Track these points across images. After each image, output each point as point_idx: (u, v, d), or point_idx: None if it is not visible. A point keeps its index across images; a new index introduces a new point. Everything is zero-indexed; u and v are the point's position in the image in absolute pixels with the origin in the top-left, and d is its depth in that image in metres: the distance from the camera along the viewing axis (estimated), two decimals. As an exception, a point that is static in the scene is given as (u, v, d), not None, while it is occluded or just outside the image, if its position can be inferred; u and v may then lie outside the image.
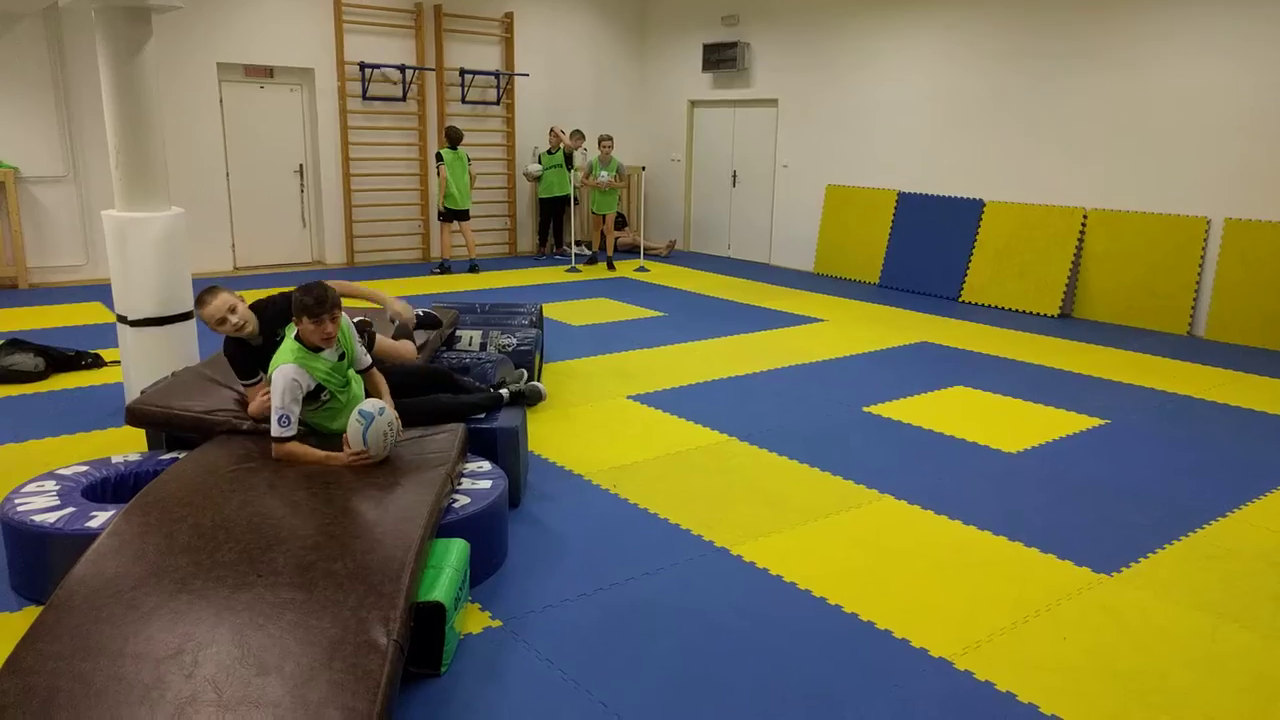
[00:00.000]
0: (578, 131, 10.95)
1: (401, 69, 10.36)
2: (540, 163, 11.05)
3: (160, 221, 4.83)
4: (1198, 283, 7.67)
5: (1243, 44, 7.25)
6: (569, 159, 10.90)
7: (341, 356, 3.51)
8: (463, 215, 10.11)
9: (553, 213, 11.35)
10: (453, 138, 9.99)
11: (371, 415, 3.26)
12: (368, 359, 3.68)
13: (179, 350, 4.90)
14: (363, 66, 10.10)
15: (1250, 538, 3.76)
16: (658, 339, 7.10)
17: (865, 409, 5.39)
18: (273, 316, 3.69)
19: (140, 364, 4.79)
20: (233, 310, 3.59)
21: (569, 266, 10.65)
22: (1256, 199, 7.32)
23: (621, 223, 11.89)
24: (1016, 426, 5.12)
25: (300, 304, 3.28)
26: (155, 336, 4.84)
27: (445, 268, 10.16)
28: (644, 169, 11.53)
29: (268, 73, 9.87)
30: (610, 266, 10.61)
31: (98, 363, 5.93)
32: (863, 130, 10.10)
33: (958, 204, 9.27)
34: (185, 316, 4.97)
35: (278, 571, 2.44)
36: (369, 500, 2.92)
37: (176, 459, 3.50)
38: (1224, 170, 7.47)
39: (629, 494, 4.06)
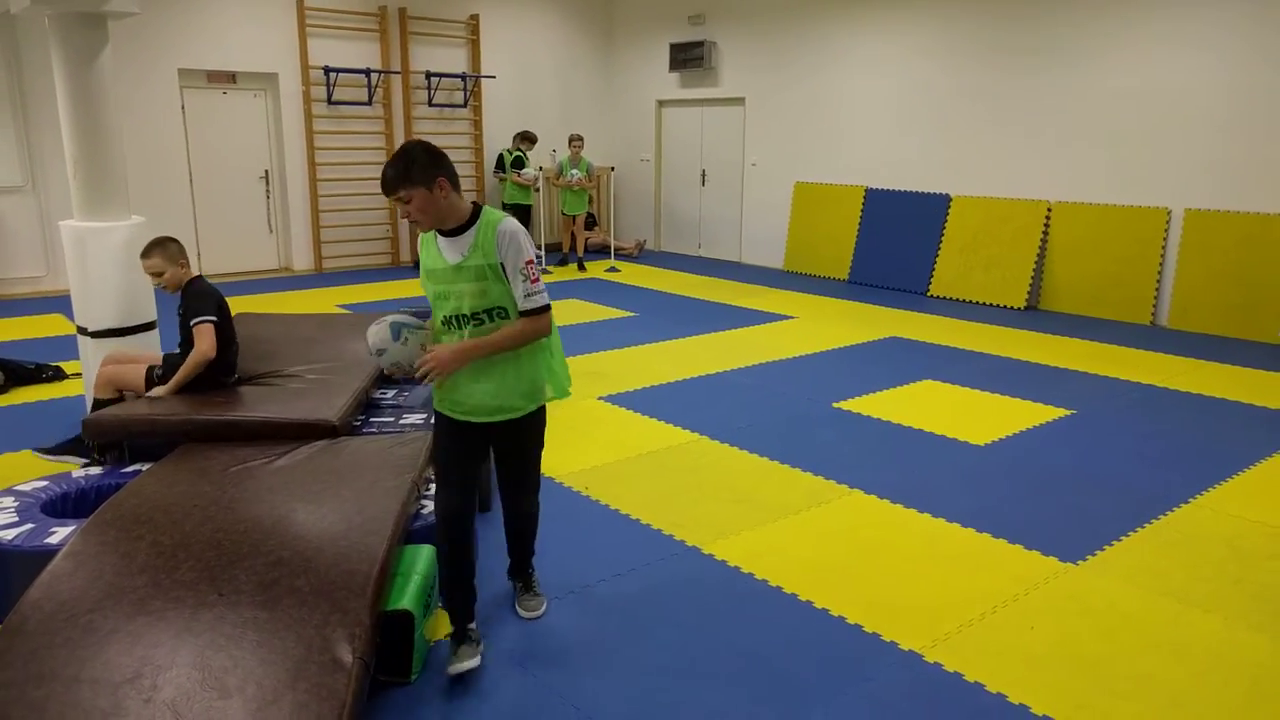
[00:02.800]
0: (525, 134, 10.85)
1: (367, 73, 10.27)
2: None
3: (120, 231, 4.76)
4: (1159, 273, 7.78)
5: (1201, 36, 7.35)
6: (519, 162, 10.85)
7: (463, 261, 2.57)
8: None
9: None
10: None
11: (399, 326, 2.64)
12: (524, 297, 2.60)
13: (141, 362, 4.82)
14: (327, 71, 10.01)
15: (1212, 523, 3.82)
16: (629, 339, 7.10)
17: (835, 405, 5.41)
18: (205, 290, 4.00)
19: (102, 377, 4.71)
20: (160, 274, 3.98)
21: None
22: (1215, 189, 7.43)
23: (591, 223, 11.87)
24: (984, 419, 5.17)
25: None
26: (118, 347, 4.76)
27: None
28: (613, 169, 11.52)
29: (230, 78, 9.76)
30: (581, 267, 10.59)
31: (59, 375, 5.83)
32: (830, 128, 10.14)
33: (925, 199, 9.34)
34: (148, 327, 4.89)
35: (240, 590, 2.40)
36: (334, 512, 2.88)
37: (138, 471, 3.45)
38: (1184, 162, 7.57)
39: (600, 495, 4.05)
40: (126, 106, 8.75)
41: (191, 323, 3.89)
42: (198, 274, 4.10)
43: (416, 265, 10.26)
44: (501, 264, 2.56)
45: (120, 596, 2.35)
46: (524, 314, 2.61)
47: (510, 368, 2.68)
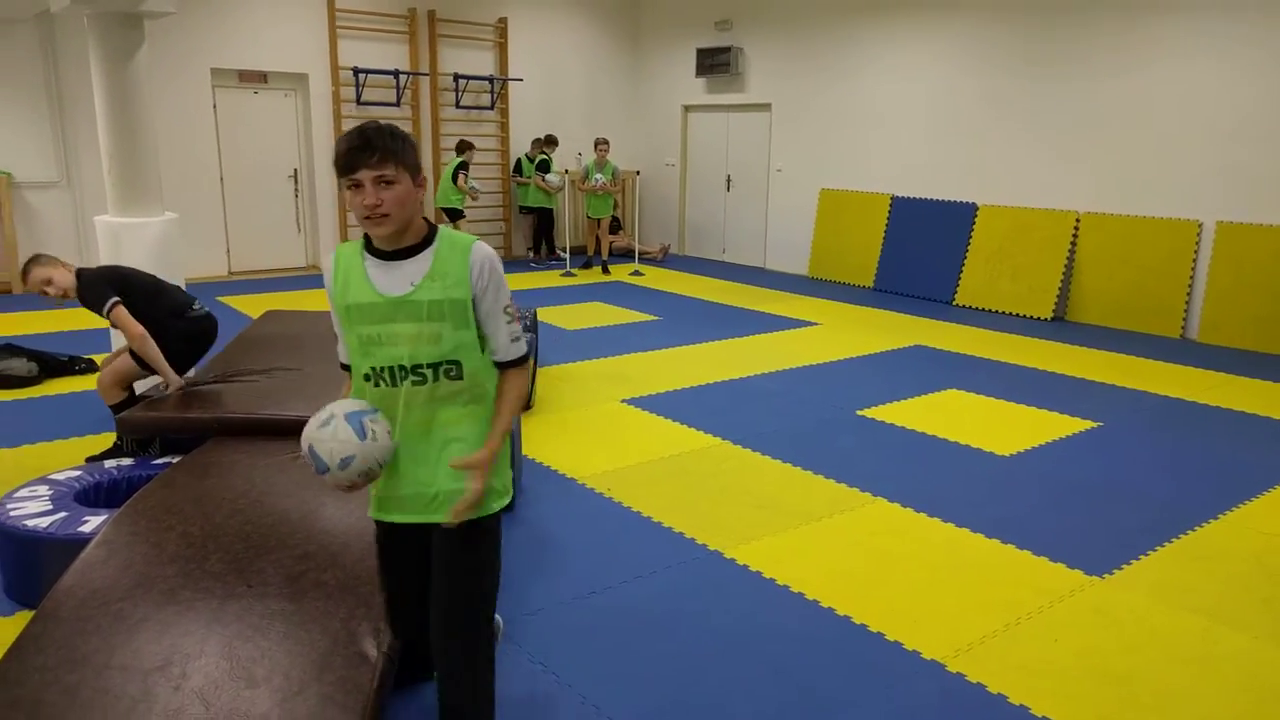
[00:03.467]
0: (549, 137, 11.27)
1: (395, 74, 10.36)
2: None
3: (154, 227, 4.84)
4: (1190, 286, 7.69)
5: (1233, 48, 7.27)
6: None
7: (412, 293, 1.90)
8: (450, 215, 10.37)
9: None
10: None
11: (354, 425, 1.89)
12: (509, 343, 2.00)
13: (172, 357, 4.89)
14: (356, 72, 10.11)
15: (1242, 539, 3.77)
16: (652, 343, 7.10)
17: (859, 412, 5.39)
18: (89, 280, 3.86)
19: (134, 371, 4.79)
20: (48, 282, 3.81)
21: (564, 271, 10.66)
22: (1247, 202, 7.34)
23: (616, 227, 11.90)
24: (1010, 429, 5.13)
25: (336, 153, 1.89)
26: (148, 343, 4.83)
27: None
28: (638, 173, 11.54)
29: (262, 78, 9.87)
30: (605, 270, 10.61)
31: (91, 368, 5.91)
32: (856, 134, 10.11)
33: (951, 208, 9.29)
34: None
35: (267, 582, 2.43)
36: (361, 508, 2.90)
37: (170, 463, 3.50)
38: (1215, 174, 7.48)
39: (623, 498, 4.06)
40: (160, 105, 8.86)
41: (105, 314, 3.79)
42: (79, 267, 3.97)
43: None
44: (475, 299, 1.92)
45: (150, 585, 2.39)
46: (506, 365, 2.00)
47: (462, 442, 1.97)
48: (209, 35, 9.36)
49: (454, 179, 10.15)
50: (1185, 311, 7.71)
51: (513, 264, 11.30)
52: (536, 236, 11.54)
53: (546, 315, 8.04)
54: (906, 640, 2.95)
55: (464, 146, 10.31)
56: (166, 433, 3.70)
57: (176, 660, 2.11)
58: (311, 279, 9.83)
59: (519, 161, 11.33)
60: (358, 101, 10.25)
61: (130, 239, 4.74)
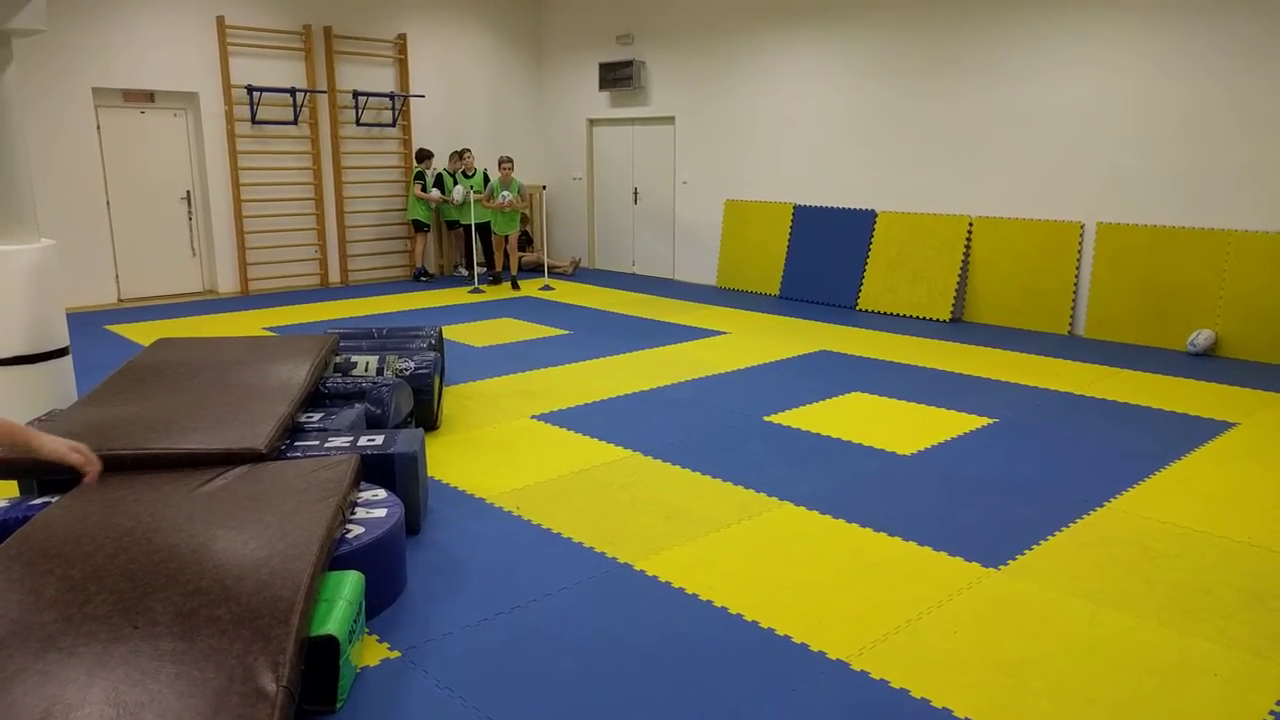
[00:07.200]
0: (455, 152, 11.30)
1: (292, 92, 10.12)
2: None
3: (28, 255, 4.62)
4: (1075, 284, 8.08)
5: (1109, 59, 7.69)
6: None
7: None
8: (415, 226, 11.01)
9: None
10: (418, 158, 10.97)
11: None
12: None
13: (53, 390, 4.68)
14: (250, 90, 9.84)
15: (1125, 524, 3.97)
16: (562, 357, 7.09)
17: (766, 418, 5.49)
18: None
19: (11, 405, 4.55)
20: None
21: (472, 288, 10.56)
22: (1124, 203, 7.77)
23: (526, 242, 11.86)
24: (911, 429, 5.29)
25: None
26: (27, 376, 4.62)
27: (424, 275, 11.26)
28: (544, 188, 11.54)
29: (148, 97, 9.52)
30: (514, 286, 10.56)
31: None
32: (758, 145, 10.32)
33: (851, 215, 9.55)
34: (60, 353, 4.75)
35: (156, 622, 2.33)
36: (256, 539, 2.82)
37: (48, 503, 3.33)
38: (1095, 177, 7.90)
39: (532, 515, 4.04)
40: (37, 127, 8.46)
41: None
42: None
43: (345, 285, 10.44)
44: None
45: (27, 634, 2.26)
46: None
47: None
48: (90, 53, 8.97)
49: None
50: (1072, 309, 8.10)
51: (422, 282, 11.14)
52: (487, 252, 11.21)
53: (454, 333, 7.95)
54: (812, 641, 3.01)
55: (423, 155, 10.86)
56: (47, 474, 3.51)
57: (56, 711, 2.01)
58: (209, 304, 9.50)
59: (440, 177, 11.17)
60: (253, 120, 9.98)
61: (2, 269, 4.51)
